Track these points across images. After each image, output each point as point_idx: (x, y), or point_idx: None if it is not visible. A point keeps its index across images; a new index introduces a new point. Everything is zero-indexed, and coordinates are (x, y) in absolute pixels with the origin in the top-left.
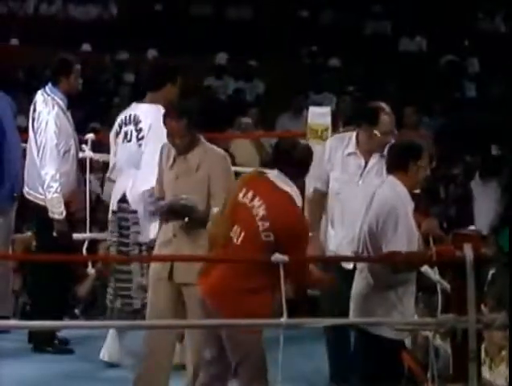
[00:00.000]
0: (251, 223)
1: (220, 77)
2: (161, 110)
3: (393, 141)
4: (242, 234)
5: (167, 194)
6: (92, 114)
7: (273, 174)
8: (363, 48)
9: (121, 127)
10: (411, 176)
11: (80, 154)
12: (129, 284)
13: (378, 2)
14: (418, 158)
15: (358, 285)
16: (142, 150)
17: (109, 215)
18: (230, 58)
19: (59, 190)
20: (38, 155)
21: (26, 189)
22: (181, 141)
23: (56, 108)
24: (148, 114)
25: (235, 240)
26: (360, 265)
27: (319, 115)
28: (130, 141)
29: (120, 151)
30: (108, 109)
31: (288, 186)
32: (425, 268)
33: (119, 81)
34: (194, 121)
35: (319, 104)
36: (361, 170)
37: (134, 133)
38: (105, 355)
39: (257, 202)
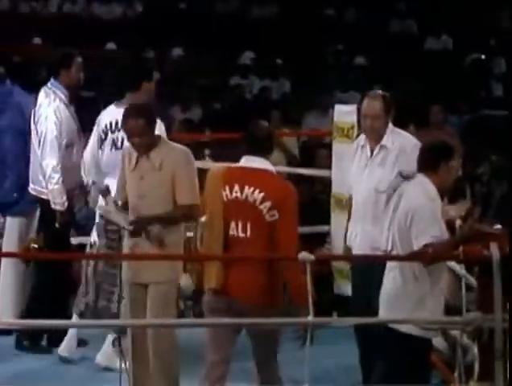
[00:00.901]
0: (253, 211)
1: (245, 76)
2: None
3: (389, 128)
4: (248, 225)
5: (132, 195)
6: None
7: (245, 161)
8: (389, 47)
9: (106, 134)
10: (442, 176)
11: None
12: (113, 287)
13: (403, 0)
14: (449, 158)
15: (387, 283)
16: None
17: (96, 218)
18: (255, 57)
19: (60, 181)
20: (38, 147)
21: (31, 186)
22: (141, 140)
23: (58, 100)
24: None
25: (241, 235)
26: (389, 264)
27: (345, 113)
28: (120, 148)
29: (106, 157)
30: None
31: (262, 164)
32: (452, 264)
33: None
34: (151, 121)
35: (345, 102)
36: (367, 161)
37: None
38: (100, 358)
39: (248, 190)
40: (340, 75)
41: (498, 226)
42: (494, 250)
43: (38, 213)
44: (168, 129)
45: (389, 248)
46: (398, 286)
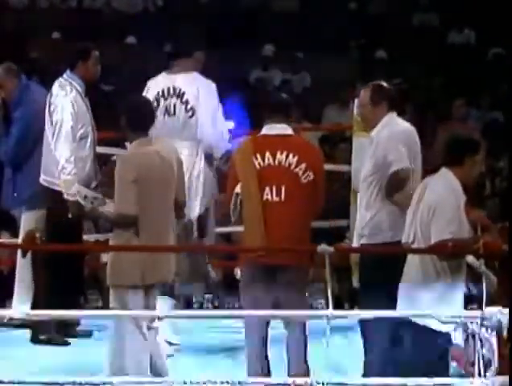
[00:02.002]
0: (289, 175)
1: (266, 69)
2: (198, 77)
3: (386, 119)
4: (283, 189)
5: None
6: None
7: (268, 129)
8: (411, 41)
9: (158, 101)
10: (466, 170)
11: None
12: None
13: None
14: (475, 152)
15: (407, 276)
16: (197, 119)
17: None
18: (277, 50)
19: (73, 172)
20: (52, 137)
21: (42, 176)
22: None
23: (74, 92)
24: (189, 84)
25: (276, 199)
26: (410, 257)
27: None
28: (173, 114)
29: (158, 124)
30: None
31: (287, 130)
32: (472, 260)
33: None
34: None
35: None
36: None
37: (180, 106)
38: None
39: (281, 156)
40: (361, 68)
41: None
42: None
43: None
44: None
45: (410, 240)
46: (419, 280)
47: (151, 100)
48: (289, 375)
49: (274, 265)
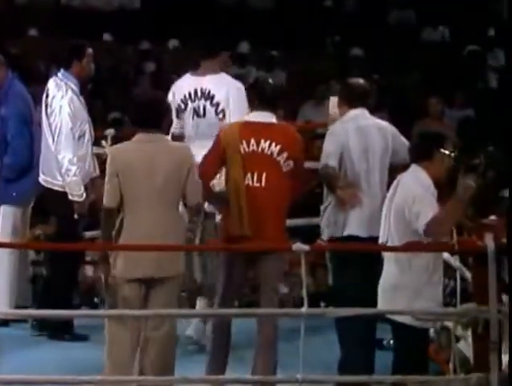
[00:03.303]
0: (271, 162)
1: (242, 66)
2: (226, 77)
3: (349, 114)
4: (264, 175)
5: None
6: (113, 104)
7: (255, 116)
8: (386, 38)
9: (186, 103)
10: (436, 165)
11: (100, 150)
12: None
13: None
14: (442, 146)
15: (385, 274)
16: (227, 121)
17: None
18: (253, 47)
19: (77, 172)
20: (53, 140)
21: (42, 177)
22: None
23: (70, 92)
24: (218, 85)
25: (256, 184)
26: (387, 255)
27: None
28: (203, 116)
29: (187, 126)
30: (128, 99)
31: (272, 118)
32: (447, 256)
33: (140, 71)
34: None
35: None
36: None
37: (210, 108)
38: (191, 332)
39: (264, 144)
40: (337, 66)
41: (493, 217)
42: (489, 241)
43: (32, 203)
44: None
45: (385, 239)
46: (396, 275)
47: (178, 103)
48: (253, 371)
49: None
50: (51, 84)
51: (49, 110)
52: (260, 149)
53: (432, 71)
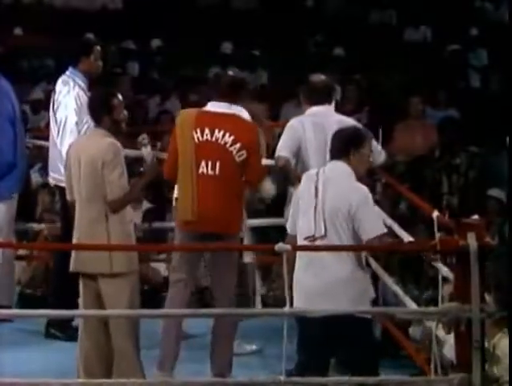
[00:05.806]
0: (224, 152)
1: (225, 66)
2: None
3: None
4: (217, 164)
5: None
6: None
7: (211, 106)
8: (368, 38)
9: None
10: (354, 163)
11: None
12: None
13: None
14: (359, 146)
15: (334, 271)
16: None
17: None
18: (235, 47)
19: None
20: (58, 134)
21: (51, 175)
22: None
23: (77, 88)
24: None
25: (210, 172)
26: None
27: None
28: None
29: None
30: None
31: (229, 109)
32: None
33: (123, 71)
34: None
35: None
36: None
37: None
38: None
39: (218, 134)
40: (318, 66)
41: (476, 216)
42: (472, 240)
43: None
44: (145, 121)
45: (322, 234)
46: (347, 272)
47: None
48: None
49: (205, 233)
50: (59, 81)
51: (56, 106)
52: (214, 139)
53: (414, 71)
